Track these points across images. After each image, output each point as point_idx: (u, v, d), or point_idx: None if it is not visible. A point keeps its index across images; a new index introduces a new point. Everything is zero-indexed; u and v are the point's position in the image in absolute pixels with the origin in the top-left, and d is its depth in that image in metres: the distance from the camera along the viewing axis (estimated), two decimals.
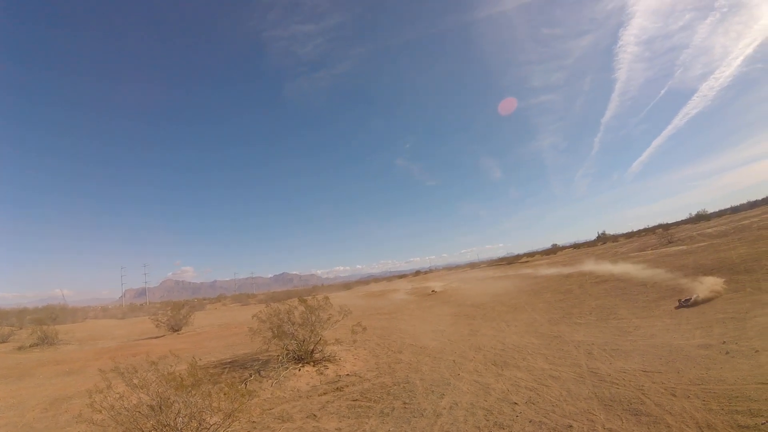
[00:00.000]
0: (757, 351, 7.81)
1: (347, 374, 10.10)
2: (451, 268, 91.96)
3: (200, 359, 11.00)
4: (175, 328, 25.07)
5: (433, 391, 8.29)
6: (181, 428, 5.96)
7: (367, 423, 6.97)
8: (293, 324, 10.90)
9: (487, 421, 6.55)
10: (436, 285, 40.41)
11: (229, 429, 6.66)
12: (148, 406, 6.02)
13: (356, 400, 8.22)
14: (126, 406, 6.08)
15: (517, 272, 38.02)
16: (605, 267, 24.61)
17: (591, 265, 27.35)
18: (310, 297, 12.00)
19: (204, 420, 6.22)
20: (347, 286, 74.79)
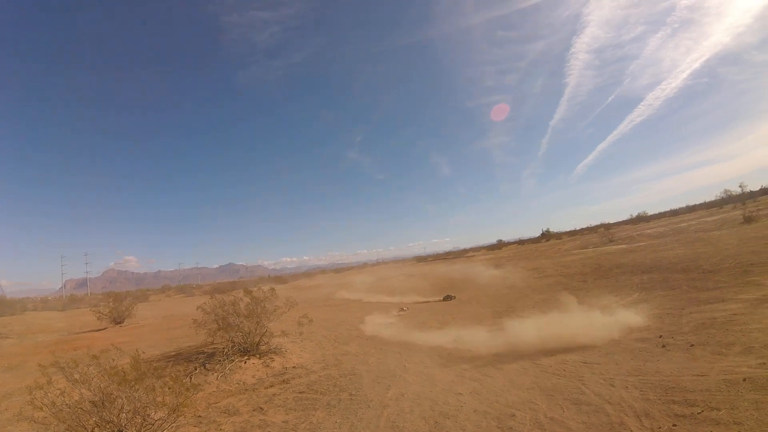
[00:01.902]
0: (692, 345, 8.32)
1: (294, 366, 10.16)
2: (398, 261, 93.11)
3: (143, 352, 10.71)
4: (117, 321, 24.30)
5: (379, 383, 8.52)
6: (124, 424, 5.87)
7: (314, 415, 7.10)
8: (239, 316, 10.77)
9: (433, 411, 6.81)
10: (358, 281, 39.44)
11: (174, 424, 6.60)
12: (90, 402, 5.87)
13: (303, 392, 8.32)
14: (67, 402, 5.89)
15: (452, 267, 39.01)
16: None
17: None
18: (256, 288, 11.89)
19: (148, 415, 6.12)
20: (281, 279, 74.27)
